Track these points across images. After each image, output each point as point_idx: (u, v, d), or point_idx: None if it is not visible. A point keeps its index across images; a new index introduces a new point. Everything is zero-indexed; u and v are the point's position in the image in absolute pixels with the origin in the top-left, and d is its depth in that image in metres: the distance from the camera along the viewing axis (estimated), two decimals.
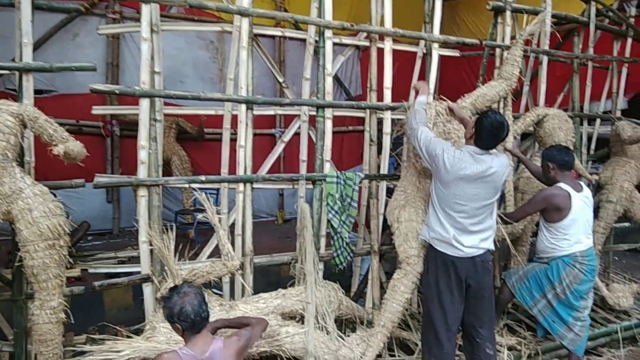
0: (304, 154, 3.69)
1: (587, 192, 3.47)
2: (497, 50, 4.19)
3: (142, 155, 2.99)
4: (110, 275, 3.87)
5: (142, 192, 3.01)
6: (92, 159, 5.57)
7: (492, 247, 3.01)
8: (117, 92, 3.01)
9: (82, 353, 2.86)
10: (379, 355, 3.41)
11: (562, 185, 3.37)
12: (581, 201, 3.37)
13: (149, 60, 3.01)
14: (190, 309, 2.15)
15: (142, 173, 3.01)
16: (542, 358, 3.69)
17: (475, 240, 2.92)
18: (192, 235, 5.17)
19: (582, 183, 3.55)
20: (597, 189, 4.81)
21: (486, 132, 2.86)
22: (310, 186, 3.61)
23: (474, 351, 3.04)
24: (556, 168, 3.42)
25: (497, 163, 2.91)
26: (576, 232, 3.35)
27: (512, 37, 4.10)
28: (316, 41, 3.57)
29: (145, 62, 2.99)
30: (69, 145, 2.58)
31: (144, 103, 2.98)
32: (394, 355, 3.53)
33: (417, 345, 3.56)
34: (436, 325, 2.96)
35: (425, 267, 3.10)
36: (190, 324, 2.16)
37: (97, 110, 3.55)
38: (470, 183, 2.85)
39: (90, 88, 2.86)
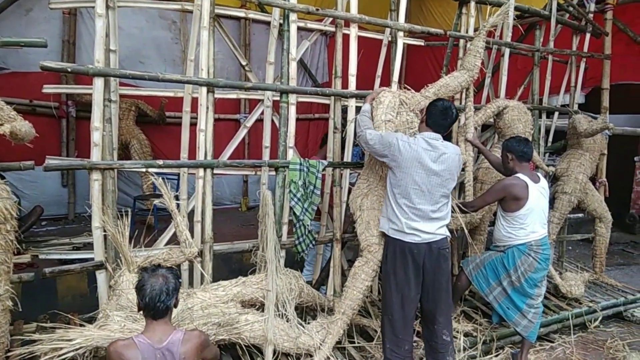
0: (267, 140, 3.64)
1: (543, 183, 3.56)
2: (461, 41, 4.23)
3: (96, 137, 2.87)
4: (64, 261, 3.73)
5: (96, 176, 2.89)
6: (47, 141, 5.47)
7: (447, 233, 3.06)
8: (69, 70, 2.87)
9: (32, 342, 2.75)
10: (339, 342, 3.42)
11: (520, 175, 3.44)
12: (538, 192, 3.45)
13: (104, 37, 2.88)
14: (149, 290, 2.09)
15: (95, 156, 2.90)
16: (497, 344, 3.79)
17: (433, 227, 2.96)
18: (151, 222, 5.04)
19: (539, 174, 3.63)
20: (553, 180, 4.95)
21: (437, 110, 3.01)
22: (273, 173, 3.57)
23: (432, 338, 3.09)
24: (515, 159, 3.49)
25: (451, 149, 3.00)
26: (532, 222, 3.44)
27: (476, 29, 4.14)
28: (280, 24, 3.50)
29: (100, 40, 2.86)
30: (15, 125, 2.44)
31: (98, 82, 2.85)
32: (353, 342, 3.55)
33: (376, 332, 3.59)
34: (393, 313, 2.99)
35: (384, 254, 3.12)
36: (144, 305, 2.11)
37: (48, 89, 3.37)
38: (427, 168, 2.89)
39: (40, 65, 2.71)
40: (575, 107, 5.21)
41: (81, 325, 2.93)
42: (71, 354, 2.69)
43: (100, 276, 3.01)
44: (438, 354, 3.07)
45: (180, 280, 2.31)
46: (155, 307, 2.10)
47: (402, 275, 2.94)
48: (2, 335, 2.61)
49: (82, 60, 5.67)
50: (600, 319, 4.42)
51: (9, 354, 2.70)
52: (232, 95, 3.73)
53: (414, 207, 2.92)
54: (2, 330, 2.60)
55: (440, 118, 3.02)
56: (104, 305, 2.94)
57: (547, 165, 4.80)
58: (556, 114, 5.18)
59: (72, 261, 3.40)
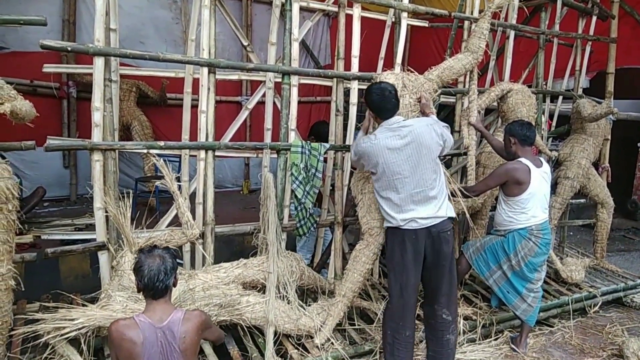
0: (268, 122, 3.61)
1: (546, 167, 3.54)
2: (466, 23, 4.18)
3: (97, 117, 2.86)
4: (66, 242, 3.75)
5: (97, 157, 2.89)
6: (48, 122, 5.44)
7: (451, 214, 2.99)
8: (69, 49, 2.83)
9: (35, 321, 2.78)
10: (339, 324, 3.45)
11: (522, 160, 3.42)
12: (540, 176, 3.44)
13: (104, 16, 2.84)
14: (147, 271, 2.12)
15: (96, 136, 2.88)
16: (497, 328, 3.81)
17: (431, 209, 2.89)
18: (153, 204, 5.04)
19: (541, 159, 3.61)
20: (556, 165, 4.93)
21: (374, 103, 2.93)
22: (275, 156, 3.55)
23: (431, 316, 3.09)
24: (517, 143, 3.46)
25: (415, 122, 2.93)
26: (533, 207, 3.43)
27: (481, 11, 4.08)
28: (283, 4, 3.45)
29: (100, 18, 2.83)
30: (16, 104, 2.42)
31: (98, 62, 2.82)
32: (354, 324, 3.58)
33: (376, 314, 3.61)
34: (393, 299, 2.99)
35: (386, 241, 3.11)
36: (144, 285, 2.14)
37: (48, 68, 3.35)
38: (400, 152, 2.84)
39: (40, 44, 2.68)
40: (580, 91, 5.16)
41: (83, 305, 2.96)
42: (74, 333, 2.73)
43: (103, 257, 3.02)
44: (437, 332, 3.09)
45: (178, 259, 2.33)
46: (154, 287, 2.12)
47: (400, 263, 2.93)
48: (6, 314, 2.63)
49: (83, 39, 5.61)
50: (599, 304, 4.43)
51: (13, 332, 2.73)
52: (234, 76, 3.70)
53: (404, 196, 2.87)
54: (5, 309, 2.62)
55: (386, 104, 2.92)
56: (106, 286, 2.96)
57: (550, 150, 4.77)
58: (560, 98, 5.13)
59: (75, 242, 3.41)
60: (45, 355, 2.72)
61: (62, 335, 2.71)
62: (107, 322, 2.65)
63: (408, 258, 2.91)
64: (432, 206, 2.90)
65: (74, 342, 2.82)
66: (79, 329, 2.72)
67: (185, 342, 2.12)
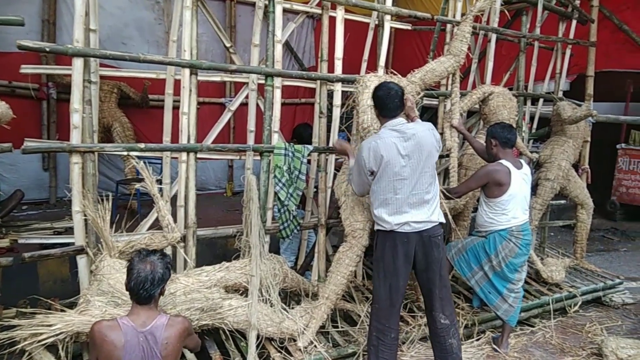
0: (251, 124, 3.59)
1: (526, 169, 3.58)
2: (448, 26, 4.21)
3: (75, 119, 2.81)
4: (45, 246, 3.68)
5: (76, 159, 2.83)
6: (27, 124, 5.35)
7: (442, 219, 3.01)
8: (47, 49, 2.78)
9: (12, 327, 2.71)
10: (323, 327, 3.44)
11: (503, 161, 3.46)
12: (520, 178, 3.48)
13: (84, 16, 2.79)
14: (136, 275, 2.12)
15: (75, 138, 2.83)
16: (478, 328, 3.85)
17: (424, 213, 2.91)
18: (134, 206, 4.98)
19: (522, 161, 3.65)
20: (537, 166, 4.99)
21: (380, 99, 2.98)
22: (258, 158, 3.53)
23: (432, 323, 3.10)
24: (499, 145, 3.50)
25: (418, 127, 2.96)
26: (514, 208, 3.47)
27: (463, 14, 4.11)
28: (266, 6, 3.44)
29: (79, 19, 2.77)
30: None
31: (77, 63, 2.77)
32: (337, 327, 3.57)
33: (360, 316, 3.62)
34: (380, 301, 2.98)
35: (374, 243, 3.06)
36: (130, 288, 2.15)
37: (25, 69, 3.29)
38: (402, 154, 2.84)
39: (17, 44, 2.63)
40: (560, 94, 5.24)
41: (62, 310, 2.90)
42: (51, 339, 2.67)
43: (81, 261, 2.97)
44: (439, 337, 3.10)
45: (170, 270, 2.28)
46: (138, 293, 2.12)
47: (390, 265, 2.92)
48: None
49: (63, 40, 5.52)
50: (579, 303, 4.51)
51: None
52: (216, 77, 3.67)
53: (401, 198, 2.87)
54: None
55: (389, 102, 2.97)
56: (84, 291, 2.90)
57: (531, 152, 4.83)
58: (541, 100, 5.20)
59: (53, 246, 3.34)
60: None
61: (39, 341, 2.66)
62: (86, 327, 2.61)
63: (399, 261, 2.91)
64: (425, 210, 2.91)
65: (52, 348, 2.76)
66: (57, 334, 2.67)
67: (167, 348, 2.10)
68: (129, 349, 2.02)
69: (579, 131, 4.92)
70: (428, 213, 2.92)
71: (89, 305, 2.74)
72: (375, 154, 2.87)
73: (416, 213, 2.88)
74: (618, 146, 8.07)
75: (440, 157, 4.25)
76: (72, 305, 2.98)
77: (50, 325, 2.67)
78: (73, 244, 2.99)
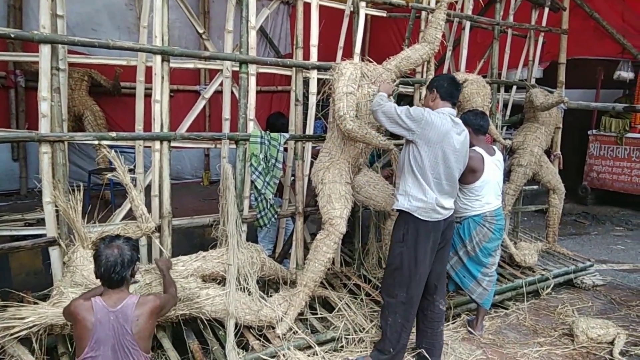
0: (226, 112, 3.55)
1: (498, 155, 3.64)
2: (423, 13, 4.22)
3: (44, 107, 2.73)
4: (16, 238, 3.59)
5: (45, 149, 2.76)
6: None
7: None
8: (12, 36, 2.69)
9: None
10: (301, 314, 3.46)
11: (476, 148, 3.50)
12: (493, 164, 3.53)
13: (50, 1, 2.70)
14: (105, 261, 2.17)
15: (44, 127, 2.76)
16: (454, 311, 3.93)
17: (450, 202, 3.00)
18: (107, 197, 4.89)
19: (494, 147, 3.71)
20: (510, 153, 5.07)
21: (447, 81, 3.05)
22: (234, 146, 3.50)
23: (429, 307, 3.15)
24: (472, 132, 3.53)
25: (464, 127, 3.05)
26: (487, 194, 3.53)
27: (438, 1, 4.12)
28: None
29: (45, 4, 2.69)
30: None
31: (45, 50, 2.69)
32: (315, 313, 3.60)
33: (338, 302, 3.64)
34: (411, 289, 2.98)
35: (400, 233, 2.99)
36: (100, 275, 2.19)
37: None
38: (453, 143, 2.89)
39: None
40: (533, 81, 5.31)
41: (35, 303, 2.85)
42: (24, 332, 2.63)
43: (54, 253, 2.92)
44: (433, 323, 3.17)
45: (138, 251, 2.33)
46: (110, 278, 2.17)
47: (422, 253, 2.93)
48: None
49: (30, 27, 5.33)
50: (552, 286, 4.63)
51: None
52: (189, 64, 3.61)
53: (439, 183, 2.89)
54: None
55: (453, 87, 3.04)
56: (58, 282, 2.86)
57: (504, 139, 4.91)
58: (514, 87, 5.27)
59: (24, 237, 3.26)
60: None
61: (11, 334, 2.61)
62: (60, 319, 2.57)
63: (428, 249, 2.95)
64: (451, 200, 3.01)
65: (26, 341, 2.72)
66: (30, 327, 2.63)
67: (139, 325, 2.15)
68: (98, 327, 2.09)
69: (551, 118, 5.01)
70: (452, 202, 3.02)
71: (62, 297, 2.70)
72: (429, 130, 2.83)
73: (446, 201, 2.95)
74: (589, 132, 8.27)
75: None
76: (45, 298, 2.93)
77: (23, 318, 2.62)
78: (45, 235, 2.93)
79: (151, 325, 2.24)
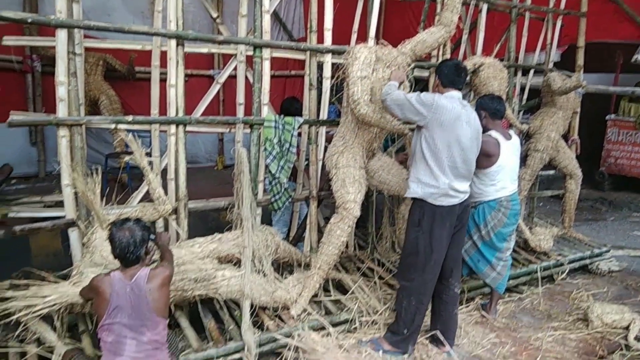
0: (240, 97, 3.56)
1: (515, 140, 3.60)
2: None
3: (61, 91, 2.77)
4: (35, 220, 3.67)
5: (63, 132, 2.81)
6: (12, 97, 5.25)
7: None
8: (29, 20, 2.72)
9: (6, 299, 2.74)
10: (315, 296, 3.50)
11: (492, 133, 3.47)
12: (509, 149, 3.50)
13: None
14: (118, 243, 2.30)
15: (61, 111, 2.80)
16: (468, 295, 3.94)
17: (466, 185, 3.00)
18: (124, 180, 4.96)
19: (511, 132, 3.67)
20: (526, 137, 5.02)
21: (450, 68, 3.04)
22: (248, 130, 3.52)
23: (444, 291, 3.18)
24: (488, 116, 3.51)
25: (472, 111, 3.04)
26: (503, 179, 3.50)
27: None
28: None
29: None
30: None
31: (61, 34, 2.72)
32: (329, 295, 3.63)
33: (351, 285, 3.67)
34: (426, 274, 3.01)
35: (416, 218, 3.01)
36: (117, 255, 2.33)
37: (8, 41, 3.22)
38: (464, 126, 2.88)
39: None
40: (551, 65, 5.23)
41: (55, 282, 2.92)
42: (46, 310, 2.71)
43: (73, 234, 2.98)
44: (448, 306, 3.19)
45: (149, 230, 2.42)
46: (125, 257, 2.32)
47: (438, 238, 2.95)
48: None
49: (46, 11, 5.36)
50: (567, 271, 4.61)
51: None
52: (204, 49, 3.62)
53: (455, 167, 2.90)
54: None
55: (455, 75, 3.02)
56: (77, 263, 2.92)
57: (521, 123, 4.85)
58: (531, 72, 5.19)
59: (44, 219, 3.34)
60: (17, 332, 2.70)
61: (34, 312, 2.69)
62: (80, 299, 2.64)
63: (445, 234, 2.97)
64: (466, 183, 3.01)
65: (47, 319, 2.80)
66: (52, 305, 2.71)
67: (153, 294, 2.30)
68: (115, 297, 2.24)
69: (569, 102, 4.94)
70: (467, 185, 3.02)
71: (82, 277, 2.77)
72: (440, 115, 2.84)
73: (461, 184, 2.95)
74: (607, 117, 8.11)
75: None
76: (65, 278, 3.01)
77: (44, 297, 2.70)
78: (64, 217, 2.99)
79: (165, 293, 2.39)
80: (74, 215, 2.94)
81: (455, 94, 3.00)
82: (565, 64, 5.88)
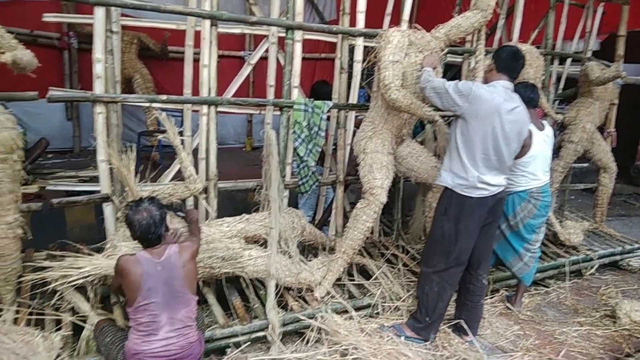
0: (271, 79, 3.56)
1: (548, 130, 3.52)
2: None
3: (98, 69, 2.83)
4: (71, 193, 3.79)
5: (100, 109, 2.88)
6: (49, 73, 5.40)
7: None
8: None
9: (43, 269, 2.85)
10: (339, 279, 3.54)
11: None
12: (541, 139, 3.43)
13: None
14: (138, 225, 2.33)
15: (98, 88, 2.87)
16: (493, 286, 3.91)
17: (499, 179, 2.94)
18: (156, 158, 5.06)
19: (544, 122, 3.59)
20: (561, 128, 4.90)
21: (507, 54, 2.97)
22: (278, 113, 3.53)
23: (471, 281, 3.16)
24: None
25: (520, 102, 2.94)
26: (534, 169, 3.44)
27: None
28: None
29: None
30: (17, 54, 2.39)
31: (99, 12, 2.77)
32: (353, 280, 3.66)
33: (375, 271, 3.69)
34: (449, 262, 3.00)
35: (443, 206, 3.00)
36: (138, 238, 2.37)
37: (48, 17, 3.29)
38: (504, 119, 2.80)
39: None
40: (589, 53, 5.06)
41: (89, 254, 3.03)
42: (81, 281, 2.81)
43: (107, 208, 3.07)
44: (474, 297, 3.19)
45: (164, 207, 2.46)
46: (147, 239, 2.36)
47: (464, 228, 2.93)
48: (15, 261, 2.71)
49: None
50: (596, 267, 4.53)
51: (22, 279, 2.81)
52: (237, 30, 3.62)
53: (488, 159, 2.85)
54: (14, 256, 2.69)
55: (512, 61, 2.94)
56: (111, 236, 3.01)
57: (556, 113, 4.73)
58: (569, 60, 5.04)
59: (79, 193, 3.45)
60: (53, 301, 2.82)
61: (69, 282, 2.80)
62: (113, 271, 2.72)
63: (473, 225, 2.95)
64: (501, 177, 2.95)
65: (81, 290, 2.91)
66: (86, 277, 2.81)
67: (185, 270, 2.36)
68: (147, 278, 2.26)
69: (607, 93, 4.79)
70: (501, 179, 2.96)
71: (115, 250, 2.86)
72: (478, 106, 2.78)
73: (493, 178, 2.90)
74: None
75: None
76: (98, 250, 3.10)
77: (79, 268, 2.80)
78: (98, 192, 3.08)
79: (194, 268, 2.45)
80: (108, 190, 3.02)
81: (504, 83, 2.92)
82: (605, 53, 5.68)
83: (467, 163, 2.86)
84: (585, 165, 5.24)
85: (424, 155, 3.61)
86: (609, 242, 4.95)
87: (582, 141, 4.71)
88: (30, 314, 2.76)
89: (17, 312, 2.74)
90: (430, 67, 3.13)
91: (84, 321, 2.76)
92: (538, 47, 4.41)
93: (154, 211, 2.35)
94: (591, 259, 4.53)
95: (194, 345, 2.38)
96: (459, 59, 4.42)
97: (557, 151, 4.81)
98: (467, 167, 2.86)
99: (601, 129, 5.03)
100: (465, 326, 3.18)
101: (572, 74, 5.14)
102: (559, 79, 5.07)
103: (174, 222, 3.07)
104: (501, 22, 4.55)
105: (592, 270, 4.49)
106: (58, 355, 2.48)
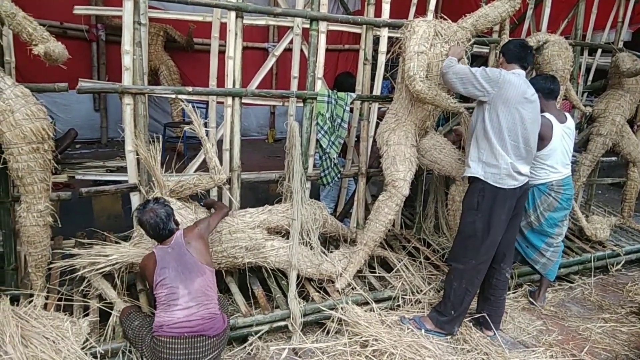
0: (295, 70, 3.57)
1: (570, 123, 3.43)
2: None
3: (127, 60, 2.88)
4: (99, 183, 3.88)
5: (128, 100, 2.93)
6: (77, 65, 5.50)
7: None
8: None
9: (72, 256, 2.94)
10: (360, 271, 3.55)
11: (546, 114, 3.31)
12: (562, 132, 3.35)
13: None
14: (148, 225, 2.56)
15: (126, 80, 2.92)
16: (516, 281, 3.87)
17: (527, 168, 2.93)
18: (181, 149, 5.13)
19: (566, 114, 3.50)
20: (590, 121, 4.79)
21: (515, 45, 3.01)
22: (301, 104, 3.54)
23: (495, 275, 3.14)
24: (542, 97, 3.33)
25: (534, 91, 2.93)
26: (554, 162, 3.36)
27: None
28: None
29: None
30: (49, 46, 2.45)
31: (128, 4, 2.82)
32: (374, 272, 3.67)
33: (396, 263, 3.69)
34: (480, 257, 2.98)
35: (474, 200, 2.93)
36: (152, 236, 2.61)
37: (78, 10, 3.35)
38: (529, 106, 2.81)
39: None
40: (620, 44, 4.92)
41: (117, 242, 3.10)
42: (108, 268, 2.89)
43: (134, 198, 3.14)
44: (498, 291, 3.17)
45: (169, 204, 2.65)
46: (159, 235, 2.59)
47: (496, 222, 2.90)
48: (44, 248, 2.79)
49: None
50: (622, 263, 4.43)
51: (51, 266, 2.90)
52: (261, 21, 3.63)
53: (517, 147, 2.83)
54: (44, 243, 2.77)
55: (521, 50, 2.96)
56: (138, 225, 3.07)
57: (584, 105, 4.63)
58: (599, 51, 4.91)
59: (107, 183, 3.53)
60: (81, 287, 2.90)
61: (97, 269, 2.88)
62: (140, 259, 2.80)
63: (504, 217, 2.92)
64: (527, 166, 2.94)
65: (108, 277, 2.99)
66: (113, 264, 2.88)
67: (191, 245, 2.58)
68: (160, 261, 2.51)
69: (638, 85, 4.66)
70: (528, 169, 2.95)
71: (142, 239, 2.93)
72: (506, 91, 2.77)
73: (523, 166, 2.89)
74: None
75: None
76: (125, 239, 3.18)
77: (107, 256, 2.88)
78: (126, 181, 3.15)
79: (204, 243, 2.67)
80: (136, 180, 3.09)
81: (521, 71, 2.91)
82: (637, 44, 5.52)
83: (499, 149, 2.81)
84: (613, 158, 5.12)
85: (447, 148, 3.58)
86: (637, 237, 4.84)
87: (611, 134, 4.60)
88: (60, 299, 2.85)
89: (47, 297, 2.83)
90: (456, 57, 3.09)
91: (111, 308, 2.84)
92: (567, 38, 4.30)
93: (159, 209, 2.57)
94: (618, 255, 4.44)
95: (216, 319, 2.49)
96: (485, 49, 4.35)
97: (585, 144, 4.70)
98: (499, 154, 2.82)
99: (631, 122, 4.90)
100: (488, 320, 3.16)
101: (602, 65, 5.01)
102: (588, 70, 4.95)
103: (199, 212, 3.13)
104: (530, 11, 4.46)
105: (619, 267, 4.40)
106: (86, 340, 2.56)
